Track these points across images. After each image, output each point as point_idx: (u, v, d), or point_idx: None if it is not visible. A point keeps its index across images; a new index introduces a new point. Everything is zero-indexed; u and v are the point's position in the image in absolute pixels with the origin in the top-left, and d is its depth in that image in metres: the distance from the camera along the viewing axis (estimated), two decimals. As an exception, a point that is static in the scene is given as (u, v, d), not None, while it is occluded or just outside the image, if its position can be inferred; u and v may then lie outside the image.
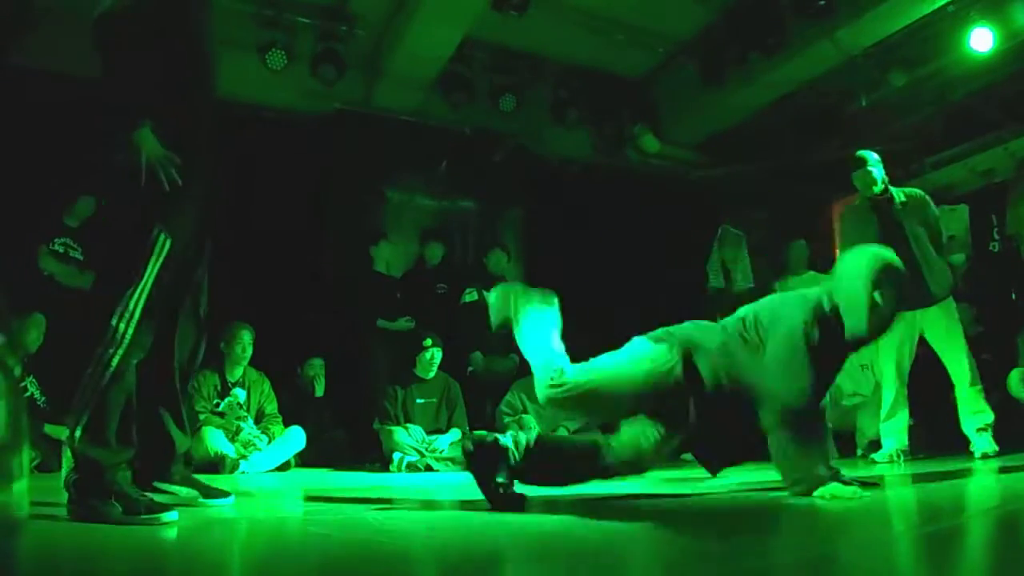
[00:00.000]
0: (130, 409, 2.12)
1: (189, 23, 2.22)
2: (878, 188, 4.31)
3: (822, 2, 5.58)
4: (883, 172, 4.34)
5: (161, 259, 2.09)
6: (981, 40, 5.59)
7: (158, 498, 2.19)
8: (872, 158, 4.35)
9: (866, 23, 5.67)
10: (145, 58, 2.09)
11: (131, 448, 2.14)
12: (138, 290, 2.07)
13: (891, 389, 4.37)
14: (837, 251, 4.67)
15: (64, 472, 2.10)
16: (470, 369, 5.78)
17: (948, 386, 4.33)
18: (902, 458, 4.29)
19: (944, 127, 6.91)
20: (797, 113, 6.98)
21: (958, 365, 4.24)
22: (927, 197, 4.38)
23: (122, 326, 2.05)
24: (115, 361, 2.05)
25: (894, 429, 4.35)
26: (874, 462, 4.37)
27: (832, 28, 5.74)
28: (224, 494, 2.54)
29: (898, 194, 4.34)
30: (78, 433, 2.03)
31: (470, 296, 5.98)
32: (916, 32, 5.88)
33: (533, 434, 2.44)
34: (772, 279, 6.31)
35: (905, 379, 4.35)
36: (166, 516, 2.04)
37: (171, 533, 1.94)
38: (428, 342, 5.14)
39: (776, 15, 6.00)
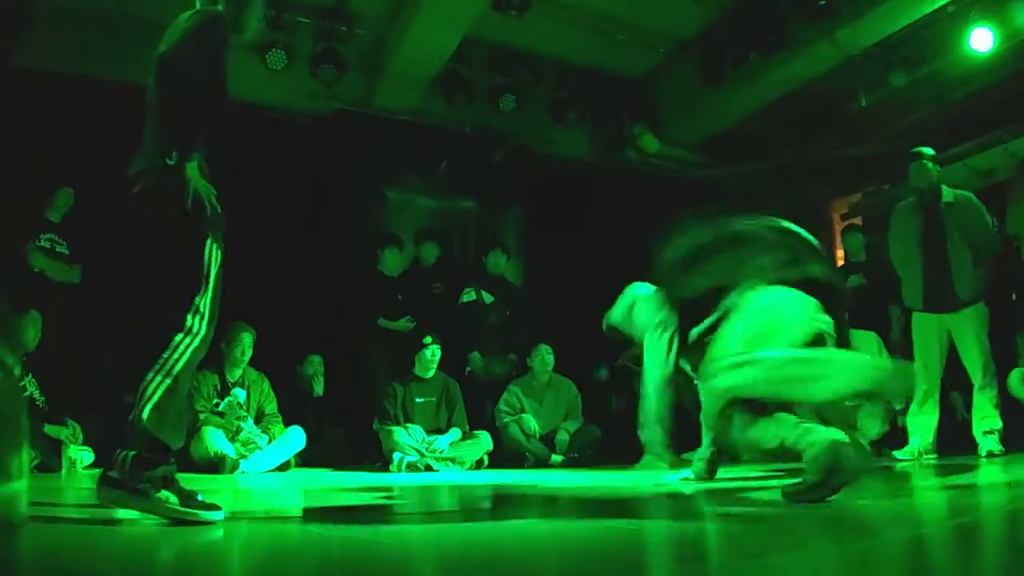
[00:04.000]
0: (188, 403, 2.28)
1: (223, 68, 2.39)
2: (931, 182, 4.47)
3: (822, 2, 5.58)
4: (937, 169, 4.52)
5: (217, 265, 2.30)
6: (981, 40, 5.59)
7: None
8: (928, 152, 4.53)
9: (866, 23, 5.66)
10: (199, 99, 2.26)
11: (183, 438, 2.24)
12: (206, 293, 2.26)
13: (919, 387, 4.41)
14: (889, 245, 4.79)
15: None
16: (468, 369, 5.78)
17: (950, 388, 4.37)
18: (923, 457, 4.32)
19: (944, 127, 6.90)
20: (797, 113, 6.97)
21: (973, 369, 4.33)
22: (976, 202, 4.45)
23: (196, 322, 2.22)
24: (190, 350, 2.19)
25: (920, 427, 4.39)
26: (895, 459, 4.39)
27: (832, 28, 5.74)
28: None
29: (947, 194, 4.45)
30: (147, 410, 2.09)
31: (468, 296, 5.98)
32: (916, 32, 5.88)
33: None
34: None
35: (936, 379, 4.42)
36: (217, 515, 2.11)
37: (172, 533, 1.94)
38: (428, 339, 5.15)
39: (776, 15, 5.99)
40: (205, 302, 2.25)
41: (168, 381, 2.13)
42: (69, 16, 5.39)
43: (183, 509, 2.05)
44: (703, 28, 6.55)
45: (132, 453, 2.06)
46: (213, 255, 2.29)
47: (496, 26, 6.05)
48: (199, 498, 2.13)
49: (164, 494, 2.05)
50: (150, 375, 2.14)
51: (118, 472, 2.05)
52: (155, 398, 2.11)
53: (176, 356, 2.17)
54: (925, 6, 5.51)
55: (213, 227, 2.30)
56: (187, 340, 2.19)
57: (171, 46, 2.26)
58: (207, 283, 2.27)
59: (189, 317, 2.21)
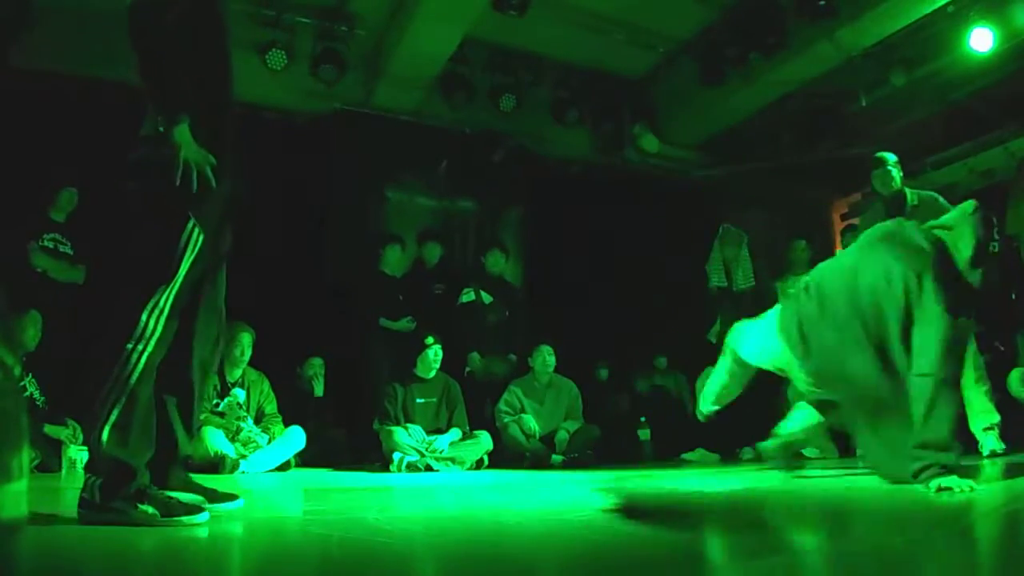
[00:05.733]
0: (152, 408, 2.07)
1: (218, 17, 2.17)
2: (895, 188, 4.52)
3: (822, 2, 5.58)
4: (900, 174, 4.58)
5: (194, 254, 2.05)
6: (981, 40, 5.59)
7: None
8: (891, 159, 4.57)
9: (866, 23, 5.67)
10: (180, 51, 2.01)
11: (152, 448, 2.07)
12: (171, 286, 2.03)
13: None
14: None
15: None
16: (468, 369, 5.78)
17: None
18: None
19: (944, 127, 6.90)
20: (797, 113, 6.98)
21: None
22: (941, 202, 4.48)
23: (152, 322, 1.99)
24: (144, 358, 1.98)
25: None
26: None
27: (832, 28, 5.74)
28: (231, 497, 2.39)
29: (911, 196, 4.51)
30: (106, 433, 1.94)
31: (467, 296, 5.98)
32: (916, 32, 5.88)
33: None
34: (772, 279, 6.31)
35: None
36: (201, 517, 2.03)
37: (172, 533, 1.94)
38: (430, 340, 5.15)
39: (776, 15, 6.00)
40: (168, 296, 2.01)
41: (124, 399, 1.96)
42: (69, 16, 5.39)
43: (164, 519, 1.97)
44: (703, 28, 6.56)
45: (99, 481, 1.96)
46: (192, 240, 2.03)
47: (496, 26, 6.05)
48: (182, 500, 2.05)
49: (143, 508, 1.96)
50: (103, 392, 1.96)
51: (89, 496, 1.97)
52: (112, 418, 1.95)
53: (129, 369, 1.96)
54: (925, 6, 5.52)
55: (197, 205, 2.02)
56: (140, 347, 1.97)
57: None
58: (174, 273, 2.01)
59: (144, 316, 1.98)
